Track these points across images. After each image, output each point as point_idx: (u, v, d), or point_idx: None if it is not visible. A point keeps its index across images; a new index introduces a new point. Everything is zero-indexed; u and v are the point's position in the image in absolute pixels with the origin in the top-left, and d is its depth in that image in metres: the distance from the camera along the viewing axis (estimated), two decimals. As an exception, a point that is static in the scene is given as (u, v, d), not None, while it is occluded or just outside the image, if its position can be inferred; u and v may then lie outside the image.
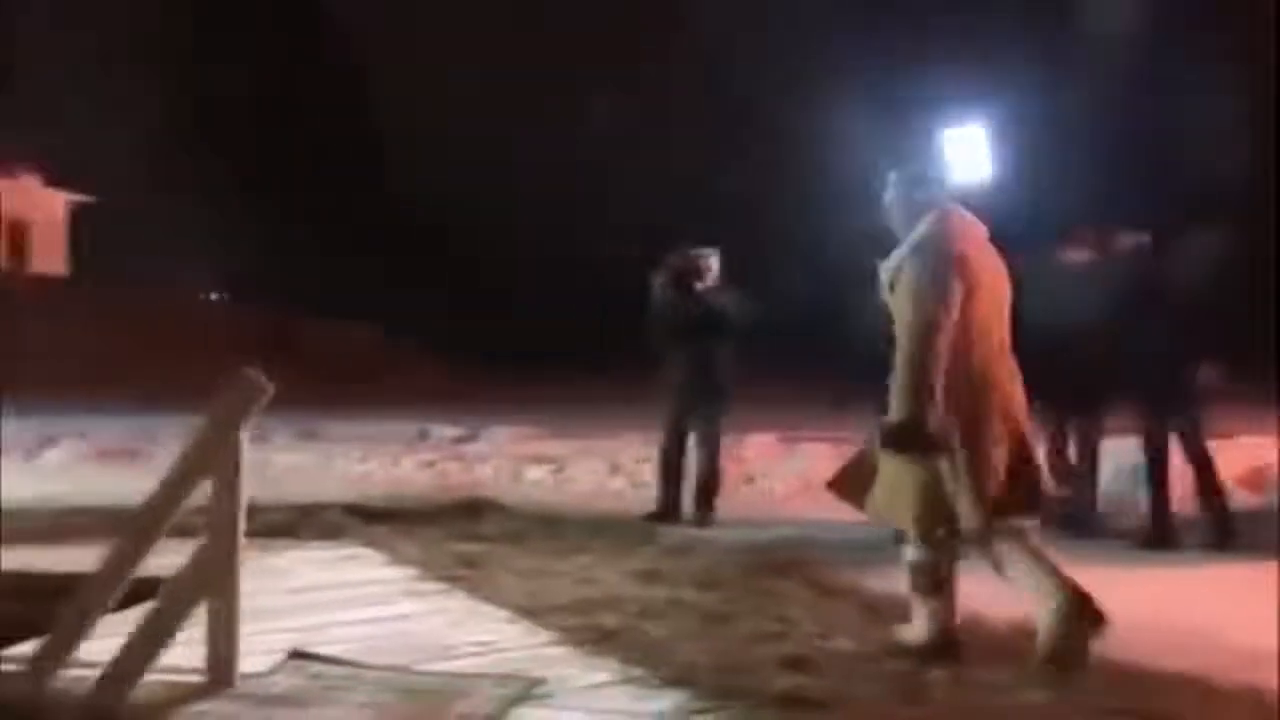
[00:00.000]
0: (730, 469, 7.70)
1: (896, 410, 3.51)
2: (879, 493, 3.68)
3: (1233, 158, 17.12)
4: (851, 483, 3.85)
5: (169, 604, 3.05)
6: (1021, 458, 3.55)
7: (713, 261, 6.87)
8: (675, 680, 3.26)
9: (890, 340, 3.63)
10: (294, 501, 6.48)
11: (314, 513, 6.21)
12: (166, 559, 3.17)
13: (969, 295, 3.51)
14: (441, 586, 4.60)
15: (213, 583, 3.03)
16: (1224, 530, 5.85)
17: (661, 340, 6.91)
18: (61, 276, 49.95)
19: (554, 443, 11.33)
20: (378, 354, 40.98)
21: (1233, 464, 6.88)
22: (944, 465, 3.47)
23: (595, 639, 3.72)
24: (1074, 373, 6.05)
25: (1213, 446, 6.12)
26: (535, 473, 9.32)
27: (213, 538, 3.04)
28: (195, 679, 3.09)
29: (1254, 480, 7.28)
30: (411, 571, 4.91)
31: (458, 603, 4.33)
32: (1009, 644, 3.63)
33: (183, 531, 3.19)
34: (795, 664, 3.43)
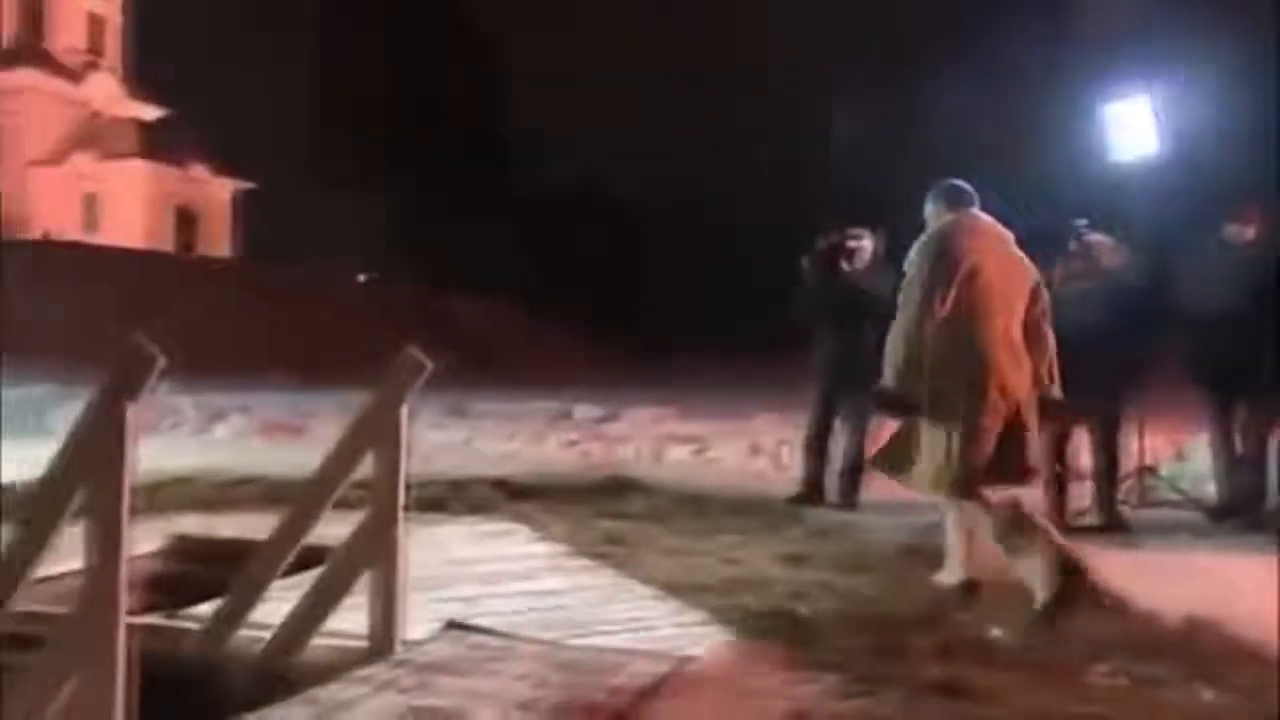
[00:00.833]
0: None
1: (886, 378, 4.13)
2: (921, 465, 4.12)
3: None
4: (892, 457, 4.30)
5: (335, 572, 3.17)
6: (1013, 432, 4.02)
7: (865, 243, 6.69)
8: (826, 664, 3.21)
9: None
10: (443, 477, 6.66)
11: (463, 488, 6.36)
12: (331, 529, 3.31)
13: (969, 287, 4.02)
14: (589, 563, 4.66)
15: (376, 553, 3.13)
16: None
17: (809, 320, 6.81)
18: (226, 259, 52.66)
19: (695, 423, 11.35)
20: (521, 333, 41.85)
21: None
22: (942, 432, 3.98)
23: (744, 619, 3.70)
24: (1234, 355, 5.71)
25: None
26: (677, 453, 9.36)
27: (376, 509, 3.14)
28: (358, 644, 3.20)
29: None
30: (560, 547, 4.98)
31: (606, 579, 4.37)
32: (1167, 639, 3.47)
33: (343, 504, 3.31)
34: (949, 653, 3.33)
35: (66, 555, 2.46)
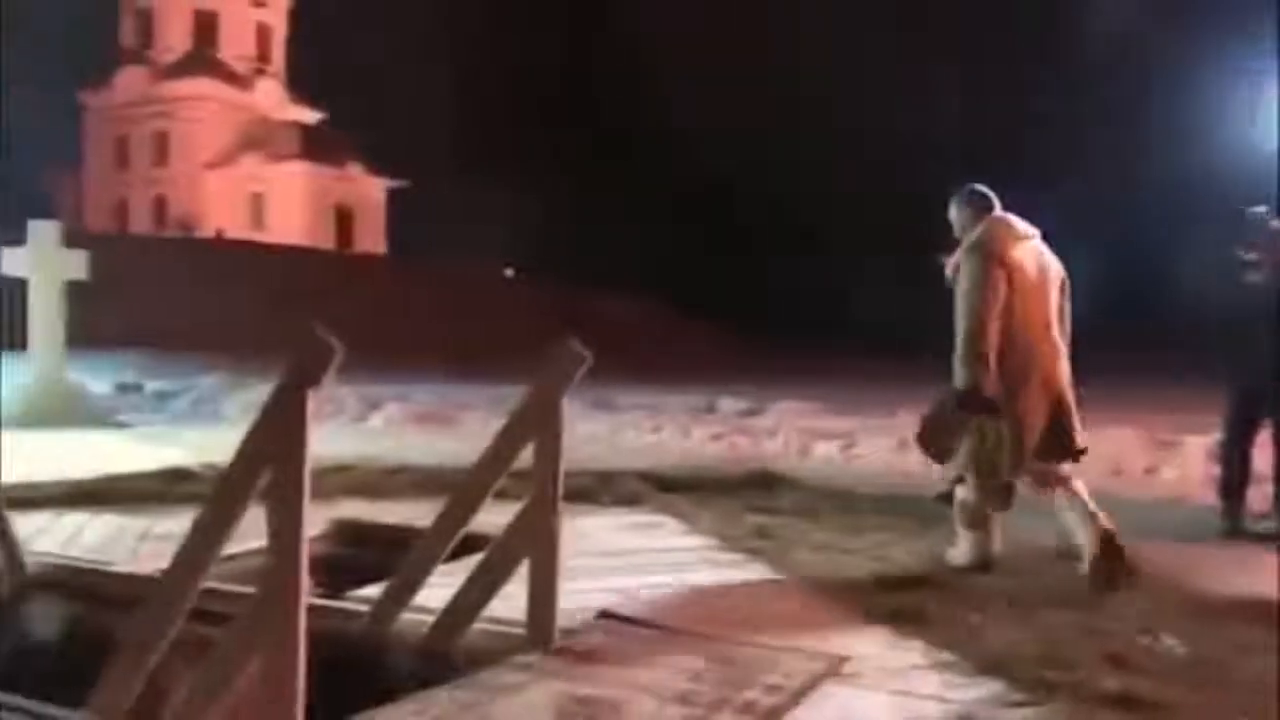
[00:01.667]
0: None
1: (960, 379, 4.34)
2: (966, 448, 4.42)
3: None
4: (935, 440, 4.56)
5: (496, 559, 3.24)
6: (1058, 417, 4.40)
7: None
8: (989, 669, 3.11)
9: None
10: (591, 468, 6.73)
11: (612, 479, 6.42)
12: (489, 517, 3.38)
13: (1014, 286, 4.35)
14: (739, 557, 4.64)
15: (535, 541, 3.19)
16: None
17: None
18: (381, 255, 54.66)
19: (841, 419, 11.19)
20: (666, 325, 42.06)
21: None
22: (994, 422, 4.32)
23: (899, 619, 3.62)
24: None
25: None
26: (823, 448, 9.24)
27: (535, 499, 3.20)
28: (516, 631, 3.27)
29: None
30: (709, 540, 4.98)
31: (756, 574, 4.35)
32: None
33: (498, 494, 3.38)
34: (1121, 662, 3.19)
35: (241, 536, 2.58)
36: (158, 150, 54.60)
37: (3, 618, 3.92)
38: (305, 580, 2.31)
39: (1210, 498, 5.95)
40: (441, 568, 3.41)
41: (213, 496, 2.53)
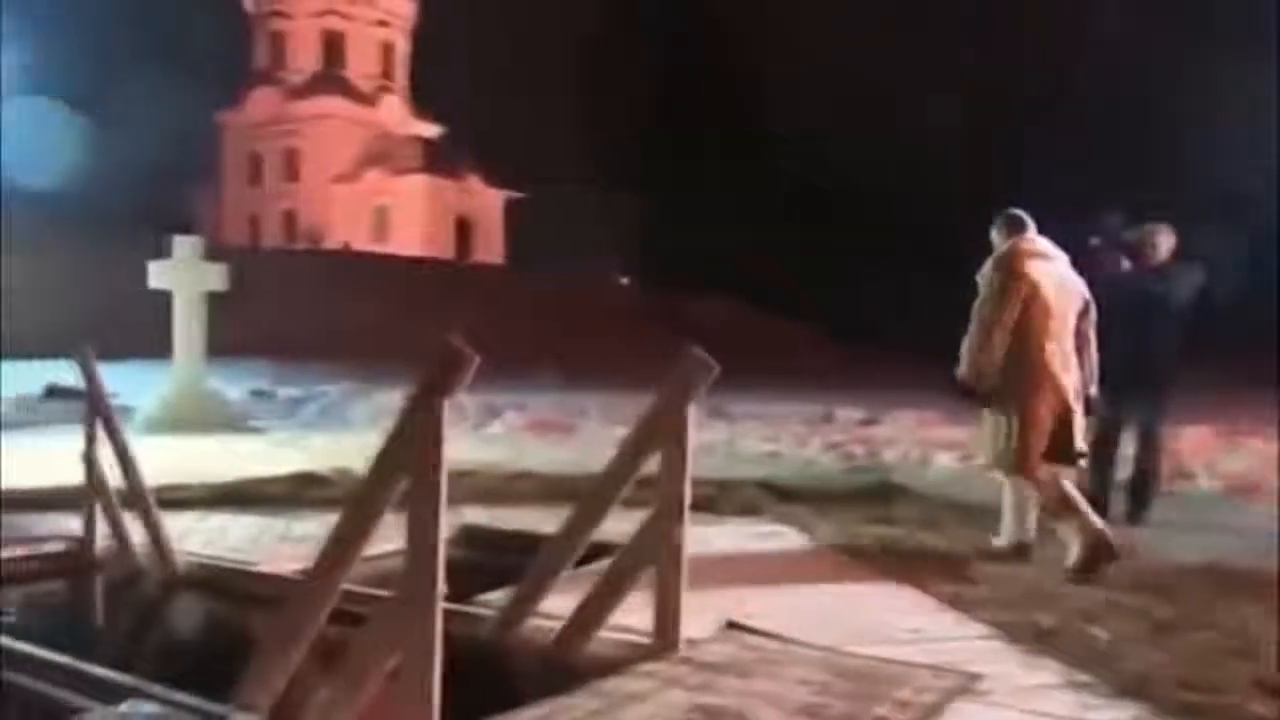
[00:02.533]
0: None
1: (962, 368, 4.85)
2: (984, 447, 4.98)
3: None
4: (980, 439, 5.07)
5: (622, 567, 3.26)
6: (1062, 423, 4.79)
7: (1161, 239, 6.20)
8: (1128, 690, 3.00)
9: None
10: (711, 477, 6.72)
11: (731, 488, 6.40)
12: (615, 525, 3.41)
13: (1030, 302, 4.76)
14: (861, 568, 4.58)
15: (660, 550, 3.20)
16: None
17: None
18: (500, 265, 55.71)
19: (960, 429, 10.92)
20: (777, 335, 41.76)
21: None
22: (1004, 421, 4.78)
23: (1030, 636, 3.52)
24: None
25: None
26: (943, 458, 9.04)
27: (661, 507, 3.21)
28: (641, 639, 3.28)
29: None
30: (830, 551, 4.93)
31: (879, 586, 4.28)
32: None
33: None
34: (1272, 689, 3.03)
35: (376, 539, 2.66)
36: (288, 166, 56.87)
37: (154, 614, 4.13)
38: (442, 584, 2.37)
39: None
40: (567, 575, 3.45)
41: (352, 502, 2.62)
